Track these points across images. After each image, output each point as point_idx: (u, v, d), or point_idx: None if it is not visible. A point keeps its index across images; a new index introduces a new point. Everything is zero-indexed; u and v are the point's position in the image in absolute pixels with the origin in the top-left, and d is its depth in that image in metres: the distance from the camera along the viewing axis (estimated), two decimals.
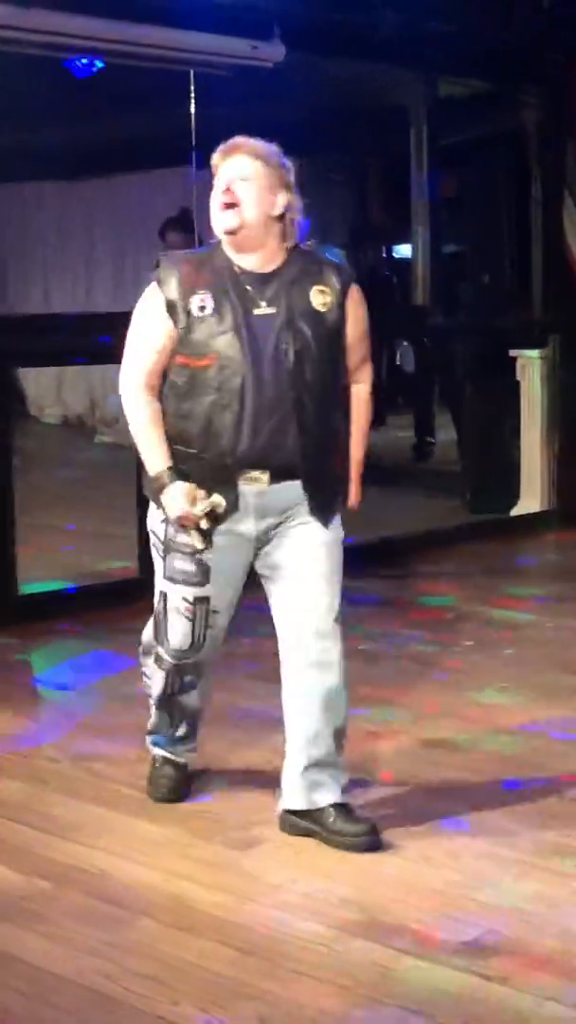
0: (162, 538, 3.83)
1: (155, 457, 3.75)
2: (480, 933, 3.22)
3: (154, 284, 3.75)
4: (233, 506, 3.70)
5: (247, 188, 3.70)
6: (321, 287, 3.74)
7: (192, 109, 7.29)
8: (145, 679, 4.08)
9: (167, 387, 3.75)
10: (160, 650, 3.92)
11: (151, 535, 3.89)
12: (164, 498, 3.72)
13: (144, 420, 3.76)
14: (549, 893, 3.43)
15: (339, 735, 3.79)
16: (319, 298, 3.73)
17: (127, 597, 6.22)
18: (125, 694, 4.88)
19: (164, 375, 3.75)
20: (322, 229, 11.10)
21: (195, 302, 3.68)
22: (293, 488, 3.73)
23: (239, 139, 3.79)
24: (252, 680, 4.91)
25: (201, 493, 3.68)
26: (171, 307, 3.70)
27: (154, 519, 3.87)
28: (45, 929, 3.26)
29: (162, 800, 4.03)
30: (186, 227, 9.14)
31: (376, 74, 7.95)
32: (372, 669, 5.38)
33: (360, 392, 3.91)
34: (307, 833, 3.76)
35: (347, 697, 3.81)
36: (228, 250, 3.75)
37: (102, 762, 4.35)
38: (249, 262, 3.73)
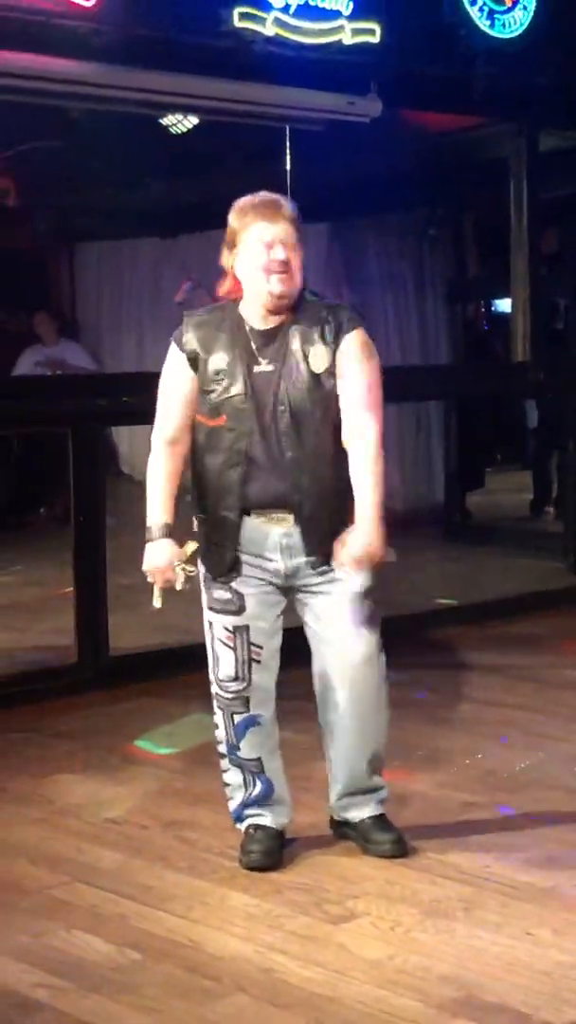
0: (203, 571, 4.05)
1: (155, 510, 4.02)
2: None
3: (173, 344, 4.00)
4: (232, 568, 3.97)
5: (295, 256, 3.90)
6: (318, 348, 3.91)
7: (288, 165, 7.37)
8: (215, 731, 4.14)
9: (192, 445, 4.01)
10: (215, 687, 4.08)
11: (199, 572, 4.08)
12: (148, 548, 4.00)
13: (156, 473, 4.03)
14: None
15: (373, 762, 4.12)
16: (315, 360, 3.90)
17: None
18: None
19: (193, 432, 4.00)
20: (419, 284, 11.13)
21: (212, 363, 3.93)
22: (314, 531, 3.95)
23: (278, 200, 3.95)
24: None
25: (183, 563, 3.97)
26: (193, 360, 3.95)
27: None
28: (134, 1001, 3.26)
29: (252, 868, 4.02)
30: None
31: (475, 127, 7.99)
32: (466, 736, 5.33)
33: (359, 451, 3.89)
34: (349, 838, 4.16)
35: (384, 728, 4.11)
36: (245, 310, 3.96)
37: (195, 830, 4.35)
38: (260, 321, 3.94)
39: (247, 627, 4.01)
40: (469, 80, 7.18)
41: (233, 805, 4.14)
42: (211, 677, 4.10)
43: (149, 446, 4.03)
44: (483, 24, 7.14)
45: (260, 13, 6.44)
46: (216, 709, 4.10)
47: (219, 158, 8.55)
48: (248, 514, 3.95)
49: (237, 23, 6.38)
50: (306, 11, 6.57)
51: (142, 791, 4.77)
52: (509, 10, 7.20)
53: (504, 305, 11.83)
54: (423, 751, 5.12)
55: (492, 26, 7.17)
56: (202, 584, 4.08)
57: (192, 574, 4.00)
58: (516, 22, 7.25)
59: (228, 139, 7.93)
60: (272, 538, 3.96)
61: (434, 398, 9.86)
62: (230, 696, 4.05)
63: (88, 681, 6.01)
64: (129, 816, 4.51)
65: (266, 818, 4.10)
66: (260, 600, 4.02)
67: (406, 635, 6.82)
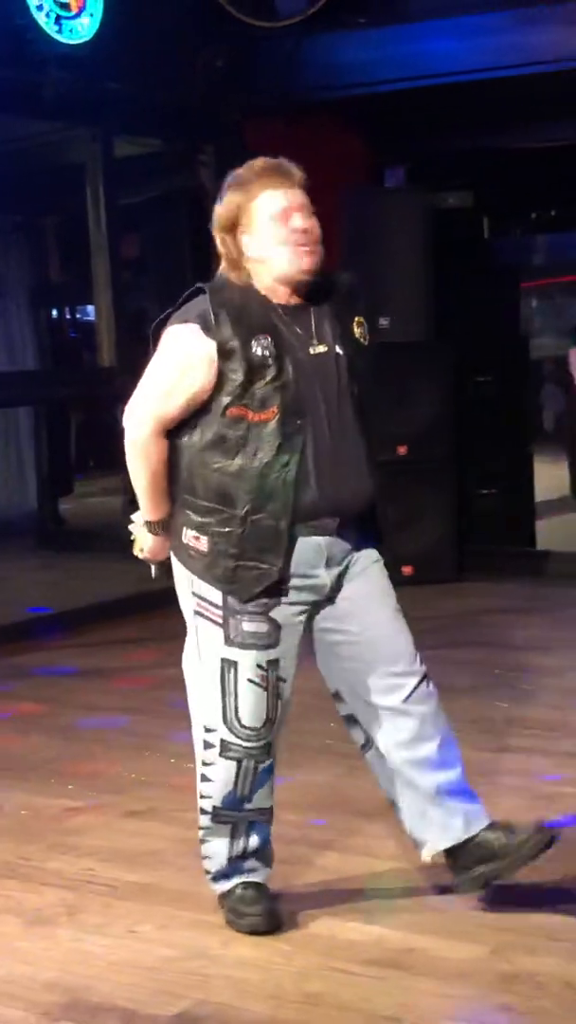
0: (218, 602, 3.44)
1: (156, 505, 3.49)
2: (190, 1004, 3.23)
3: (195, 325, 3.38)
4: (280, 575, 3.40)
5: (316, 224, 3.44)
6: (359, 318, 3.53)
7: None
8: (203, 785, 3.53)
9: (210, 442, 3.39)
10: (226, 735, 3.46)
11: (194, 601, 3.49)
12: (150, 539, 3.54)
13: (153, 470, 3.45)
14: (257, 957, 3.45)
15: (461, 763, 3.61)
16: (359, 330, 3.52)
17: None
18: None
19: (206, 427, 3.40)
20: (0, 289, 11.05)
21: (255, 347, 3.36)
22: (349, 532, 3.49)
23: (282, 162, 3.46)
24: None
25: None
26: (226, 354, 3.35)
27: (199, 585, 3.46)
28: None
29: (256, 932, 3.53)
30: None
31: (49, 132, 8.00)
32: (73, 741, 5.34)
33: None
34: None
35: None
36: (261, 285, 3.43)
37: None
38: (281, 296, 3.44)
39: (278, 661, 3.44)
40: (40, 85, 7.18)
41: (215, 865, 3.58)
42: (214, 724, 3.47)
43: None
44: (51, 29, 7.15)
45: None
46: (215, 760, 3.48)
47: None
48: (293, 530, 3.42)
49: None
50: None
51: None
52: (76, 16, 7.24)
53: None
54: (21, 761, 5.10)
55: (60, 31, 7.19)
56: (209, 619, 3.46)
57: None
58: (84, 28, 7.29)
59: None
60: (320, 550, 3.45)
61: (21, 404, 9.81)
62: (256, 745, 3.45)
63: None
64: None
65: (258, 874, 3.59)
66: (293, 628, 3.47)
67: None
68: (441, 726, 3.56)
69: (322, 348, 3.43)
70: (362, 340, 3.52)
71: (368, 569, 3.54)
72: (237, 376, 3.35)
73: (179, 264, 8.86)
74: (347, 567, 3.50)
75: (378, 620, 3.53)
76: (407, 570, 7.74)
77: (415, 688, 3.52)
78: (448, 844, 3.57)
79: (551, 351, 13.97)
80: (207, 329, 3.36)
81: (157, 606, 7.70)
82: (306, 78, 7.78)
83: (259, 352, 3.36)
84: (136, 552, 3.63)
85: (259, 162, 3.46)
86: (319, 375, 3.41)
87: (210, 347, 3.36)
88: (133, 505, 3.61)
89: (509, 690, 5.77)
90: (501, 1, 7.25)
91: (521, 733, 4.98)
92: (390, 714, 3.52)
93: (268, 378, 3.36)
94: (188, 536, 3.46)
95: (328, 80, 7.72)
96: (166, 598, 7.92)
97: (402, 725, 3.52)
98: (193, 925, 3.65)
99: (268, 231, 3.39)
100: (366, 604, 3.52)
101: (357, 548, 3.52)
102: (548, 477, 10.42)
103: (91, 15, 7.32)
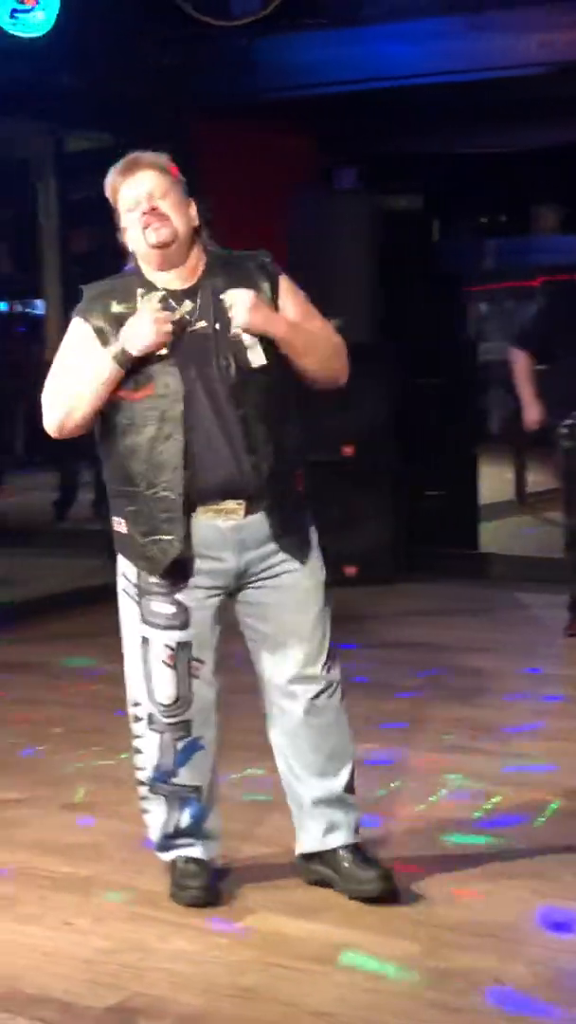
0: (134, 580, 3.63)
1: (98, 362, 3.53)
2: (126, 996, 3.25)
3: (78, 318, 3.60)
4: (185, 544, 3.54)
5: (168, 204, 3.58)
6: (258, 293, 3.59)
7: None
8: (136, 757, 3.75)
9: (107, 428, 3.60)
10: (152, 708, 3.67)
11: (120, 579, 3.69)
12: (128, 331, 3.50)
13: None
14: (194, 951, 3.48)
15: (349, 779, 3.74)
16: None
17: None
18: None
19: (104, 417, 3.59)
20: None
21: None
22: (269, 520, 3.57)
23: (136, 154, 3.64)
24: None
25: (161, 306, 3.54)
26: (101, 335, 3.55)
27: (124, 563, 3.67)
28: None
29: (193, 905, 3.68)
30: None
31: None
32: (11, 735, 5.34)
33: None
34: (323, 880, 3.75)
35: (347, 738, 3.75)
36: (148, 272, 3.61)
37: None
38: (170, 280, 3.60)
39: (190, 643, 3.61)
40: None
41: (154, 835, 3.78)
42: (139, 699, 3.68)
43: None
44: (5, 22, 7.14)
45: None
46: (144, 733, 3.68)
47: None
48: (193, 509, 3.54)
49: None
50: None
51: None
52: (31, 10, 7.23)
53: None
54: None
55: (15, 25, 7.18)
56: (130, 596, 3.65)
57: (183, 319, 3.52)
58: (38, 22, 7.28)
59: None
60: (223, 534, 3.56)
61: None
62: (172, 721, 3.63)
63: None
64: None
65: (197, 849, 3.75)
66: (205, 610, 3.61)
67: None
68: (333, 737, 3.70)
69: (200, 324, 3.56)
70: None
71: (287, 577, 3.63)
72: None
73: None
74: (266, 561, 3.60)
75: (286, 628, 3.65)
76: (350, 570, 7.80)
77: (315, 696, 3.66)
78: (304, 850, 3.79)
79: (499, 355, 14.05)
80: (84, 317, 3.59)
81: (97, 600, 7.74)
82: (258, 78, 7.80)
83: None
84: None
85: (119, 164, 3.64)
86: (196, 352, 3.54)
87: (89, 329, 3.57)
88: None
89: (447, 691, 5.82)
90: (453, 7, 7.29)
91: (460, 734, 5.02)
92: (284, 717, 3.69)
93: (141, 359, 3.51)
94: (114, 522, 3.67)
95: (280, 81, 7.75)
96: (108, 593, 7.98)
97: (292, 729, 3.69)
98: (130, 918, 3.67)
99: (127, 223, 3.60)
100: (278, 612, 3.65)
101: (279, 541, 3.60)
102: (494, 480, 10.48)
103: (45, 9, 7.32)
